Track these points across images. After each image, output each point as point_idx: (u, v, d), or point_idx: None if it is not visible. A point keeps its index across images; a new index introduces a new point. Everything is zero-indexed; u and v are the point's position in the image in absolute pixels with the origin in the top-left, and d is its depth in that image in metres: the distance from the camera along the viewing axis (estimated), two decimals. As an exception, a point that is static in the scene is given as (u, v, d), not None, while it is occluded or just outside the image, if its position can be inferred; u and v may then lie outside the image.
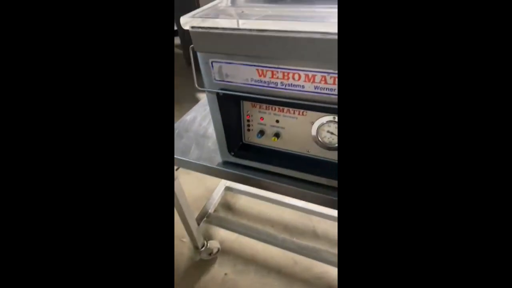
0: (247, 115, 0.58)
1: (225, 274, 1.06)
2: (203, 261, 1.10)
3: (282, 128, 0.56)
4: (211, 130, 0.78)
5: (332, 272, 1.04)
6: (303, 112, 0.52)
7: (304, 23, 0.41)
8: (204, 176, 0.71)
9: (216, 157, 0.68)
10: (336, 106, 0.44)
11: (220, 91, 0.52)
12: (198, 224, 1.02)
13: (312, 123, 0.52)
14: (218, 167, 0.65)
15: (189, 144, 0.74)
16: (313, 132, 0.53)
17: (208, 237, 1.17)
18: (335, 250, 1.00)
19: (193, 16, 0.46)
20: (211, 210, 1.09)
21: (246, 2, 0.51)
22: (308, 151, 0.57)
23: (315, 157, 0.56)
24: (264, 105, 0.55)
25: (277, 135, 0.57)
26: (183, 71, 2.44)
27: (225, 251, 1.13)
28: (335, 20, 0.38)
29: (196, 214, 1.07)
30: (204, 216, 1.07)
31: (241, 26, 0.43)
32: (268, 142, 0.60)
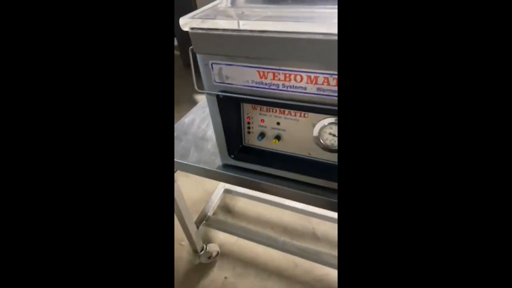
0: (247, 117, 0.57)
1: (225, 277, 1.05)
2: (203, 264, 1.09)
3: (283, 130, 0.56)
4: (210, 133, 0.77)
5: (333, 274, 1.04)
6: (304, 114, 0.52)
7: (306, 24, 0.40)
8: (202, 178, 0.70)
9: (216, 160, 0.68)
10: (339, 108, 0.43)
11: (220, 93, 0.51)
12: (197, 228, 1.01)
13: (314, 125, 0.52)
14: (218, 170, 0.65)
15: (188, 147, 0.73)
16: (315, 134, 0.52)
17: (207, 240, 1.16)
18: (335, 252, 0.99)
19: (192, 17, 0.45)
20: (210, 213, 1.08)
21: (246, 3, 0.51)
22: (309, 154, 0.56)
23: (317, 159, 0.56)
24: (264, 107, 0.54)
25: (278, 137, 0.56)
26: (180, 72, 2.42)
27: (225, 254, 1.12)
28: (337, 20, 0.37)
29: (195, 217, 1.06)
30: (203, 219, 1.05)
31: (241, 27, 0.43)
32: (269, 144, 0.59)
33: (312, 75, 0.43)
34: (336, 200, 0.55)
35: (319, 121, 0.51)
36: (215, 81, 0.50)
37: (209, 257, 1.08)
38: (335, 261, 0.92)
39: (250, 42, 0.43)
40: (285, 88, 0.46)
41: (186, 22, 0.45)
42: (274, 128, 0.56)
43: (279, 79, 0.45)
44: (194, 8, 1.80)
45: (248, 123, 0.58)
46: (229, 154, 0.62)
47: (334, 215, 1.10)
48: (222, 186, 1.23)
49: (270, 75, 0.45)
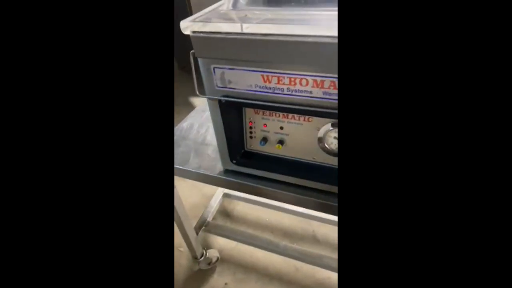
0: (249, 122, 0.56)
1: (226, 283, 1.04)
2: (202, 271, 1.07)
3: (287, 135, 0.55)
4: (209, 137, 0.76)
5: (334, 277, 1.03)
6: (308, 118, 0.51)
7: (312, 27, 0.39)
8: (200, 182, 0.69)
9: (217, 165, 0.66)
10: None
11: (222, 98, 0.49)
12: (197, 234, 0.99)
13: (319, 129, 0.51)
14: (220, 176, 0.63)
15: (188, 153, 0.71)
16: (320, 138, 0.51)
17: (206, 245, 1.14)
18: (336, 255, 0.99)
19: (193, 21, 0.44)
20: (209, 219, 1.07)
21: (247, 5, 0.50)
22: (314, 158, 0.55)
23: (322, 164, 0.55)
24: (267, 112, 0.53)
25: (281, 142, 0.55)
26: (176, 75, 2.41)
27: (225, 260, 1.11)
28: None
29: (194, 223, 1.04)
30: (202, 225, 1.04)
31: (245, 31, 0.41)
32: (271, 149, 0.58)
33: (318, 79, 0.42)
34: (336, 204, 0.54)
35: (323, 125, 0.50)
36: (217, 85, 0.49)
37: (209, 263, 1.06)
38: (336, 264, 0.92)
39: (254, 46, 0.42)
40: (290, 92, 0.45)
41: (187, 26, 0.44)
42: (277, 133, 0.55)
43: (283, 83, 0.44)
44: (189, 10, 1.79)
45: (250, 127, 0.57)
46: (231, 160, 0.60)
47: (334, 217, 1.10)
48: (221, 190, 1.22)
49: (275, 79, 0.44)
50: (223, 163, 0.63)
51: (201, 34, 0.44)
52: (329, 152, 0.53)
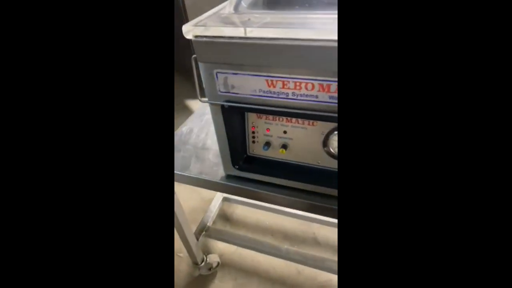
0: (252, 127, 0.55)
1: (227, 289, 1.02)
2: (203, 276, 1.06)
3: (290, 139, 0.54)
4: (210, 142, 0.75)
5: (336, 280, 1.02)
6: (313, 122, 0.50)
7: (318, 31, 0.38)
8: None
9: (218, 171, 0.65)
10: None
11: (225, 103, 0.49)
12: (197, 239, 0.98)
13: (323, 133, 0.50)
14: (222, 182, 0.62)
15: (188, 158, 0.70)
16: (324, 142, 0.51)
17: (206, 250, 1.12)
18: (339, 258, 0.98)
19: (195, 25, 0.43)
20: (209, 223, 1.05)
21: (249, 9, 0.49)
22: (318, 162, 0.54)
23: (327, 168, 0.54)
24: (270, 116, 0.52)
25: (284, 146, 0.55)
26: (169, 78, 2.38)
27: (225, 264, 1.09)
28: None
29: (193, 228, 1.02)
30: (202, 230, 1.02)
31: (248, 35, 0.41)
32: (275, 154, 0.57)
33: (325, 83, 0.41)
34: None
35: (328, 128, 0.49)
36: (220, 90, 0.48)
37: (210, 269, 1.04)
38: (340, 267, 0.91)
39: (259, 50, 0.41)
40: (295, 97, 0.44)
41: (188, 30, 0.43)
42: (280, 137, 0.54)
43: (288, 88, 0.44)
44: (183, 13, 1.77)
45: (253, 132, 0.56)
46: (233, 165, 0.59)
47: (335, 220, 1.09)
48: (221, 194, 1.21)
49: (279, 84, 0.44)
50: (225, 168, 0.62)
51: (204, 39, 0.43)
52: (334, 156, 0.52)
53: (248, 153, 0.60)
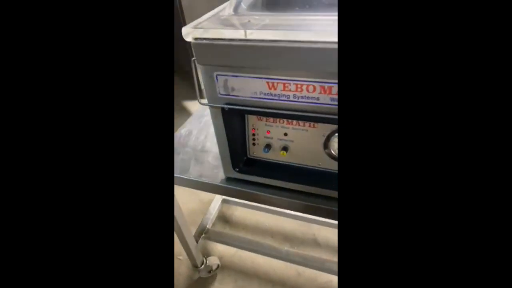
0: (252, 129, 0.55)
1: (227, 291, 1.02)
2: (202, 279, 1.05)
3: (291, 141, 0.53)
4: (209, 144, 0.74)
5: (336, 281, 1.02)
6: (313, 124, 0.50)
7: (318, 33, 0.38)
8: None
9: (218, 173, 0.65)
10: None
11: (225, 106, 0.48)
12: (197, 242, 0.97)
13: (324, 134, 0.50)
14: (222, 185, 0.62)
15: (188, 160, 0.69)
16: (325, 144, 0.51)
17: (206, 253, 1.12)
18: (339, 259, 0.98)
19: (195, 27, 0.43)
20: (209, 226, 1.05)
21: (249, 10, 0.48)
22: (319, 164, 0.54)
23: (328, 170, 0.54)
24: (270, 118, 0.52)
25: (285, 148, 0.54)
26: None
27: (225, 267, 1.09)
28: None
29: (193, 230, 1.02)
30: (202, 232, 1.02)
31: (249, 37, 0.40)
32: (275, 156, 0.57)
33: (326, 85, 0.41)
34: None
35: (329, 130, 0.49)
36: (220, 93, 0.48)
37: (209, 271, 1.04)
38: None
39: (259, 53, 0.40)
40: (296, 99, 0.44)
41: (188, 32, 0.42)
42: (281, 139, 0.54)
43: (289, 90, 0.43)
44: (180, 14, 1.77)
45: (253, 134, 0.56)
46: (234, 168, 0.59)
47: (335, 221, 1.09)
48: (220, 196, 1.20)
49: (280, 86, 0.43)
50: (225, 171, 0.61)
51: (204, 41, 0.42)
52: (335, 158, 0.52)
53: (248, 156, 0.59)
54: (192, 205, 1.33)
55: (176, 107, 2.03)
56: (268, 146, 0.55)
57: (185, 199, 1.34)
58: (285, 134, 0.53)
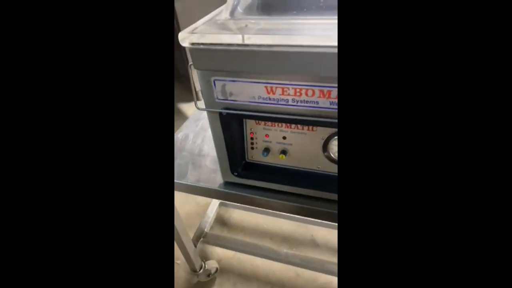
0: (250, 133, 0.54)
1: (227, 295, 1.01)
2: (201, 283, 1.05)
3: (290, 144, 0.53)
4: (206, 148, 0.74)
5: (336, 281, 1.02)
6: (312, 128, 0.49)
7: (316, 37, 0.38)
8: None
9: (216, 178, 0.64)
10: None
11: (223, 110, 0.48)
12: (195, 246, 0.96)
13: (323, 138, 0.49)
14: (221, 189, 0.61)
15: (185, 165, 0.69)
16: (324, 147, 0.50)
17: (204, 256, 1.11)
18: (337, 260, 0.98)
19: (192, 32, 0.42)
20: (207, 229, 1.04)
21: (245, 14, 0.48)
22: (318, 167, 0.54)
23: (327, 173, 0.54)
24: (269, 122, 0.52)
25: (284, 152, 0.54)
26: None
27: (224, 270, 1.08)
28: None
29: (191, 234, 1.01)
30: (200, 236, 1.01)
31: (247, 42, 0.40)
32: (274, 160, 0.56)
33: (325, 89, 0.40)
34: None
35: (328, 133, 0.49)
36: (217, 98, 0.47)
37: (208, 275, 1.03)
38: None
39: (258, 57, 0.40)
40: (295, 103, 0.44)
41: (185, 37, 0.42)
42: (279, 143, 0.54)
43: (288, 94, 0.43)
44: (178, 28, 1.75)
45: (252, 138, 0.55)
46: (232, 172, 0.58)
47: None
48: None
49: (279, 90, 0.43)
50: (224, 175, 0.61)
51: (201, 46, 0.42)
52: (334, 161, 0.52)
53: (247, 160, 0.59)
54: (189, 208, 1.32)
55: (170, 109, 2.01)
56: (266, 150, 0.55)
57: (181, 202, 1.33)
58: (284, 138, 0.53)
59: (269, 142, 0.55)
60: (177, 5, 1.63)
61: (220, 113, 0.48)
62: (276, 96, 0.44)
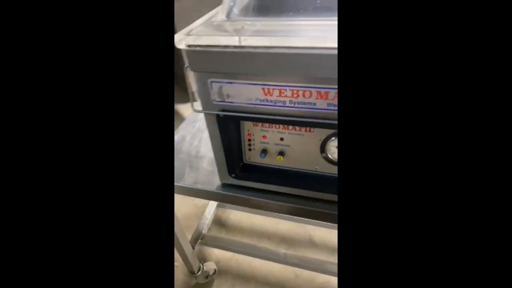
0: (248, 135, 0.54)
1: (225, 296, 1.01)
2: (200, 285, 1.04)
3: (287, 146, 0.53)
4: (203, 150, 0.73)
5: (334, 281, 1.02)
6: (310, 129, 0.49)
7: (313, 38, 0.38)
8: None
9: (214, 180, 0.64)
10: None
11: (220, 112, 0.47)
12: (193, 248, 0.96)
13: (320, 139, 0.49)
14: (219, 191, 0.61)
15: (182, 167, 0.68)
16: (322, 148, 0.50)
17: (202, 258, 1.11)
18: (336, 260, 0.98)
19: (188, 34, 0.42)
20: (205, 231, 1.04)
21: (241, 16, 0.48)
22: (316, 168, 0.54)
23: (325, 174, 0.54)
24: (266, 123, 0.52)
25: (281, 153, 0.54)
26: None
27: (222, 271, 1.08)
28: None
29: (188, 236, 1.00)
30: (198, 238, 1.01)
31: (244, 43, 0.40)
32: (272, 161, 0.56)
33: (323, 91, 0.40)
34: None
35: (326, 134, 0.49)
36: (214, 100, 0.47)
37: (207, 277, 1.03)
38: (336, 269, 0.91)
39: (255, 59, 0.40)
40: (292, 105, 0.43)
41: (181, 39, 0.42)
42: (277, 144, 0.54)
43: (286, 96, 0.43)
44: (175, 30, 1.74)
45: (249, 140, 0.55)
46: (230, 174, 0.58)
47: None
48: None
49: (276, 92, 0.43)
50: (221, 177, 0.61)
51: (197, 48, 0.41)
52: (331, 161, 0.52)
53: (244, 161, 0.59)
54: (186, 209, 1.32)
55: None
56: (264, 151, 0.55)
57: (179, 204, 1.32)
58: (282, 139, 0.53)
59: (266, 143, 0.54)
60: (175, 5, 1.62)
61: (217, 115, 0.48)
62: (274, 97, 0.44)
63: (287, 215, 1.12)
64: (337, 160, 0.51)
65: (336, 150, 0.50)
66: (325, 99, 0.41)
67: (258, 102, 0.45)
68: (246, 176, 0.58)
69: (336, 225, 0.57)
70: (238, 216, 1.27)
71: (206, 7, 0.55)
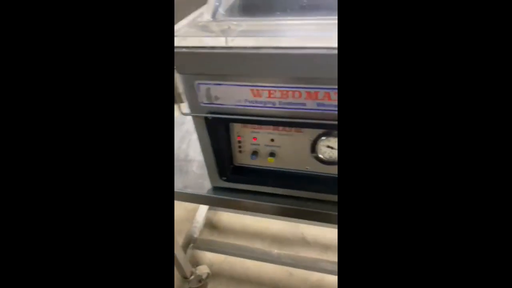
0: (237, 137, 0.53)
1: (219, 300, 1.00)
2: (193, 289, 1.03)
3: (278, 146, 0.53)
4: (192, 153, 0.72)
5: (328, 278, 1.03)
6: (300, 129, 0.49)
7: (300, 38, 0.37)
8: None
9: (204, 183, 0.63)
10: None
11: (209, 115, 0.46)
12: (185, 252, 0.94)
13: (311, 139, 0.49)
14: (210, 195, 0.60)
15: (171, 172, 0.67)
16: (312, 148, 0.50)
17: (195, 262, 1.09)
18: (329, 257, 0.99)
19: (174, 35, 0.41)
20: (196, 235, 1.02)
21: (227, 16, 0.47)
22: (307, 168, 0.54)
23: (316, 173, 0.54)
24: (256, 125, 0.51)
25: (272, 154, 0.53)
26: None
27: (216, 274, 1.07)
28: (334, 33, 0.35)
29: (180, 240, 0.99)
30: (189, 242, 0.99)
31: (230, 44, 0.39)
32: (263, 162, 0.56)
33: (312, 91, 0.40)
34: (335, 213, 0.53)
35: (316, 134, 0.48)
36: (202, 102, 0.46)
37: (200, 281, 1.01)
38: (331, 267, 0.92)
39: (242, 60, 0.39)
40: (281, 106, 0.43)
41: (165, 41, 0.40)
42: (267, 145, 0.53)
43: (275, 97, 0.42)
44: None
45: (239, 142, 0.54)
46: (221, 177, 0.57)
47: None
48: (205, 202, 1.17)
49: (265, 93, 0.42)
50: (212, 180, 0.60)
51: (183, 50, 0.40)
52: (322, 161, 0.51)
53: (235, 164, 0.58)
54: (176, 213, 1.29)
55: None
56: (255, 153, 0.54)
57: (169, 208, 1.30)
58: (272, 140, 0.52)
59: (257, 145, 0.54)
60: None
61: (206, 118, 0.47)
62: (263, 98, 0.43)
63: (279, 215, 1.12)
64: (328, 159, 0.51)
65: (326, 150, 0.50)
66: (314, 99, 0.41)
67: (247, 103, 0.44)
68: (237, 178, 0.57)
69: (328, 223, 0.57)
70: (229, 217, 1.26)
71: (191, 5, 0.54)
